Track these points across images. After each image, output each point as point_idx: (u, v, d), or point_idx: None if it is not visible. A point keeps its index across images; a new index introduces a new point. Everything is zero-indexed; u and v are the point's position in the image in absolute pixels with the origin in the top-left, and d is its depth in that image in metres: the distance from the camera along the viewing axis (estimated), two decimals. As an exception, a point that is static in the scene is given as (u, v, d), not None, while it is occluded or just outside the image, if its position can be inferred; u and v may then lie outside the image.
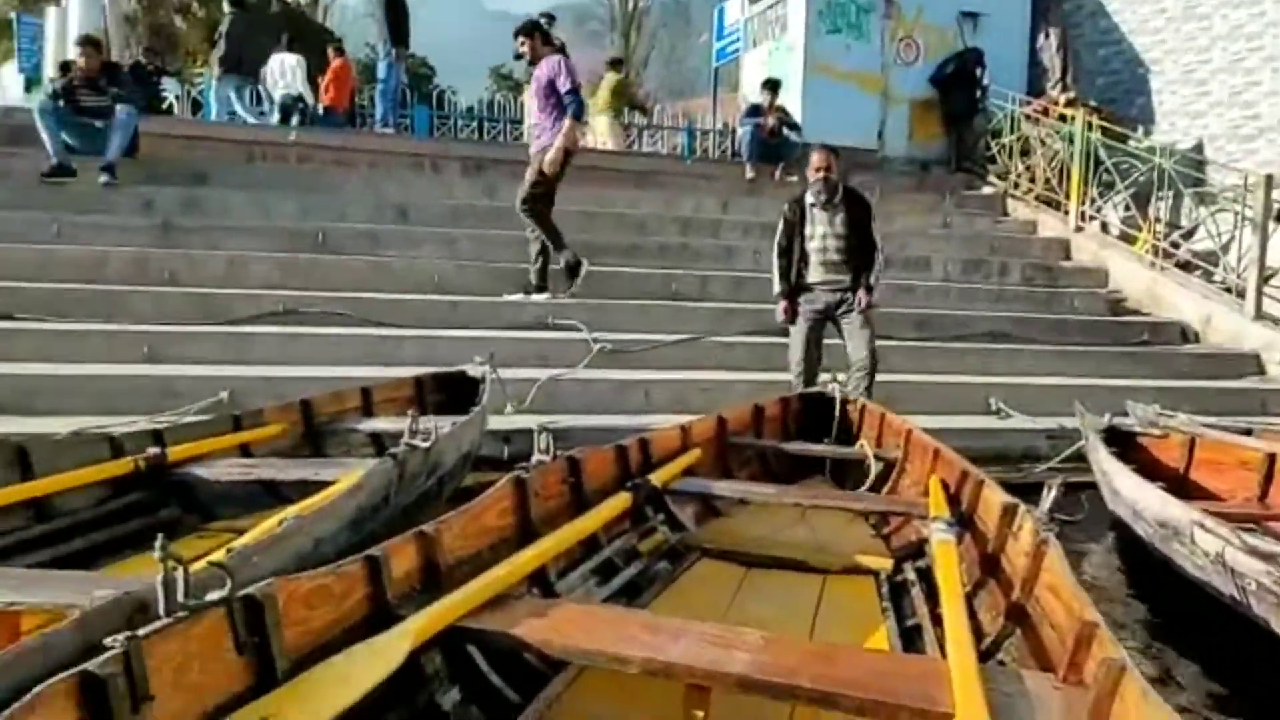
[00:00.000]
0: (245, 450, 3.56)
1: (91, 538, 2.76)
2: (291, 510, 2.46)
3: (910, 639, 2.42)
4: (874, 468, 3.92)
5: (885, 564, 2.96)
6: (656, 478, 3.13)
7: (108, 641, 1.28)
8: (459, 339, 5.85)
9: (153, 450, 3.06)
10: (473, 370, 4.84)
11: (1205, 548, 2.83)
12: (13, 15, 14.29)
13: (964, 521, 2.80)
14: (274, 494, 3.39)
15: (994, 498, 2.63)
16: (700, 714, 1.74)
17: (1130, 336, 7.53)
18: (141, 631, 1.33)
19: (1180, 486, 3.88)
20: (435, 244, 7.10)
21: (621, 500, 2.83)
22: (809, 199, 5.27)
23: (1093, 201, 9.00)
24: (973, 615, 2.21)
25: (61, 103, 6.91)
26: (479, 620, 1.88)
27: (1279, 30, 9.20)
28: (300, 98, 11.21)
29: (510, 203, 7.93)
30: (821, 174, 5.18)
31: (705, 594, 2.71)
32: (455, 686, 1.88)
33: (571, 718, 1.87)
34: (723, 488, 3.44)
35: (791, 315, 5.36)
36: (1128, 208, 8.78)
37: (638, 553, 2.93)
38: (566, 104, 6.27)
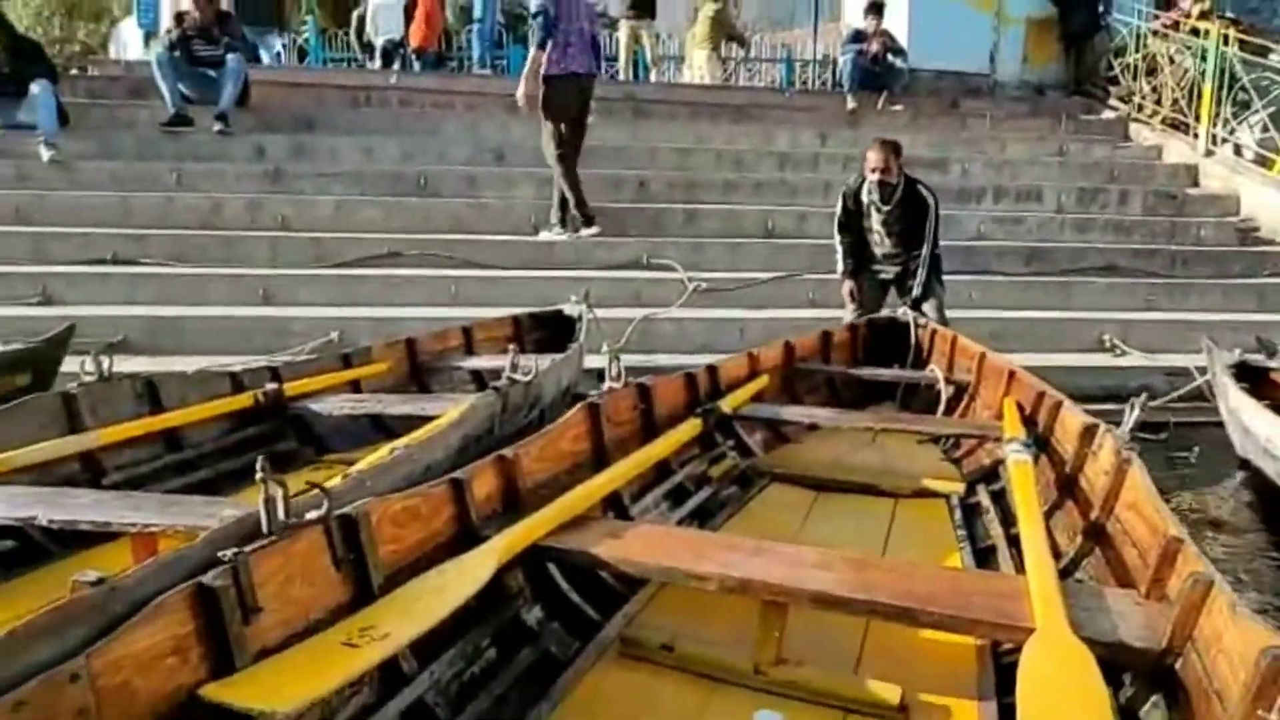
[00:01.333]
0: (355, 386, 3.72)
1: (217, 467, 2.96)
2: (400, 442, 2.55)
3: (984, 559, 2.41)
4: (945, 392, 3.87)
5: (958, 487, 2.94)
6: (725, 404, 3.16)
7: (220, 555, 1.38)
8: (555, 279, 5.93)
9: (270, 386, 3.24)
10: (569, 309, 4.91)
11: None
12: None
13: (1040, 443, 2.74)
14: (382, 428, 3.56)
15: (1072, 419, 2.58)
16: (777, 630, 1.76)
17: (1262, 267, 7.03)
18: (248, 548, 1.41)
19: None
20: (531, 185, 7.14)
21: (691, 426, 2.88)
22: (865, 195, 5.06)
23: (1226, 123, 8.35)
24: (1051, 536, 2.16)
25: (177, 53, 7.19)
26: (558, 540, 1.93)
27: None
28: (402, 41, 11.36)
29: (607, 141, 7.96)
30: (877, 175, 4.91)
31: (776, 517, 2.74)
32: (538, 604, 1.94)
33: (650, 632, 1.89)
34: (791, 412, 3.46)
35: (857, 300, 5.22)
36: (1265, 129, 8.10)
37: (708, 477, 2.97)
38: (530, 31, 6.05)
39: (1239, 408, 3.63)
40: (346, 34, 13.24)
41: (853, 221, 5.15)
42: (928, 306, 4.92)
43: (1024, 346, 5.78)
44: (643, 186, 7.38)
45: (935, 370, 4.05)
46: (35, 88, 6.57)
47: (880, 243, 5.14)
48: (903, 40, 9.55)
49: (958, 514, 2.77)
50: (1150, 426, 3.37)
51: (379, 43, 11.46)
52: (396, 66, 10.97)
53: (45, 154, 6.56)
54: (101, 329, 4.81)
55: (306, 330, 5.14)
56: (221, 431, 3.12)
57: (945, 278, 5.54)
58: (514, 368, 3.23)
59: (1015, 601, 1.63)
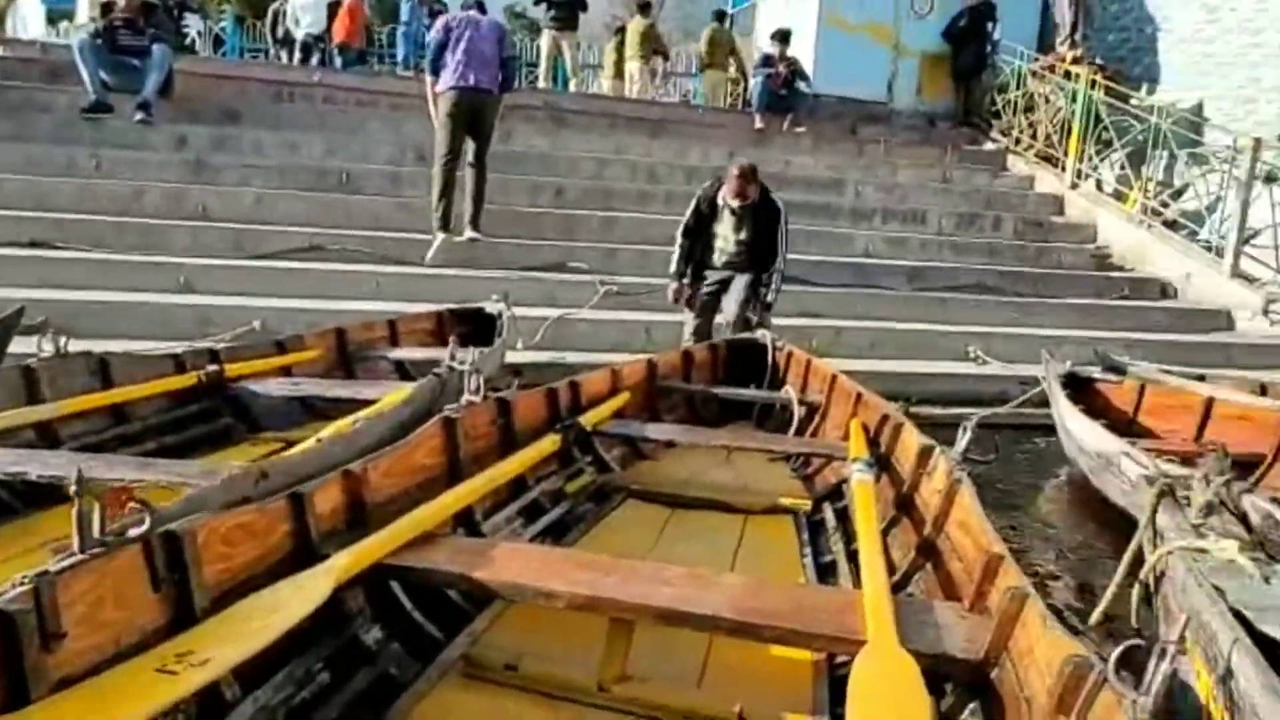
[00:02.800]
0: (287, 371, 4.00)
1: (162, 440, 3.21)
2: (344, 422, 2.88)
3: (826, 574, 2.51)
4: (798, 412, 4.00)
5: (805, 504, 3.06)
6: (586, 420, 3.18)
7: (17, 578, 1.28)
8: (475, 278, 6.26)
9: (211, 367, 3.51)
10: (490, 307, 5.26)
11: (1129, 474, 3.25)
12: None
13: (882, 463, 2.89)
14: (313, 410, 3.85)
15: (911, 440, 2.73)
16: (623, 647, 1.77)
17: (1112, 291, 7.87)
18: (53, 568, 1.33)
19: (1128, 427, 4.29)
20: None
21: (550, 442, 2.87)
22: (721, 200, 5.29)
23: (1090, 159, 9.25)
24: (887, 551, 2.29)
25: (100, 41, 7.23)
26: (404, 558, 1.89)
27: (1286, -8, 9.32)
28: (322, 36, 11.46)
29: (524, 148, 8.33)
30: (737, 201, 5.20)
31: (630, 534, 2.76)
32: (378, 624, 1.90)
33: (495, 652, 1.87)
34: (650, 430, 3.50)
35: (684, 298, 5.46)
36: (1123, 166, 9.02)
37: (565, 494, 2.97)
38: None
39: (1063, 412, 4.23)
40: (262, 26, 13.26)
41: (702, 225, 5.37)
42: (736, 297, 5.22)
43: (902, 355, 6.41)
44: (560, 194, 7.77)
45: (790, 391, 4.17)
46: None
47: (724, 247, 5.33)
48: (808, 67, 10.21)
49: (804, 531, 2.86)
50: (986, 439, 3.93)
51: (299, 36, 11.55)
52: (316, 61, 11.08)
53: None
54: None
55: (228, 319, 5.31)
56: (165, 407, 3.38)
57: (834, 290, 6.10)
58: (453, 356, 3.54)
59: (850, 615, 1.70)
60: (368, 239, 6.64)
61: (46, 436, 2.87)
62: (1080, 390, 4.55)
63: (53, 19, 14.28)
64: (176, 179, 6.87)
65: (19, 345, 3.94)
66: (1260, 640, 1.56)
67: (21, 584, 1.26)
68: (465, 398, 2.72)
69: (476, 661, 1.84)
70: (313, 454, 2.55)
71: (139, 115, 7.21)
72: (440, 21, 6.51)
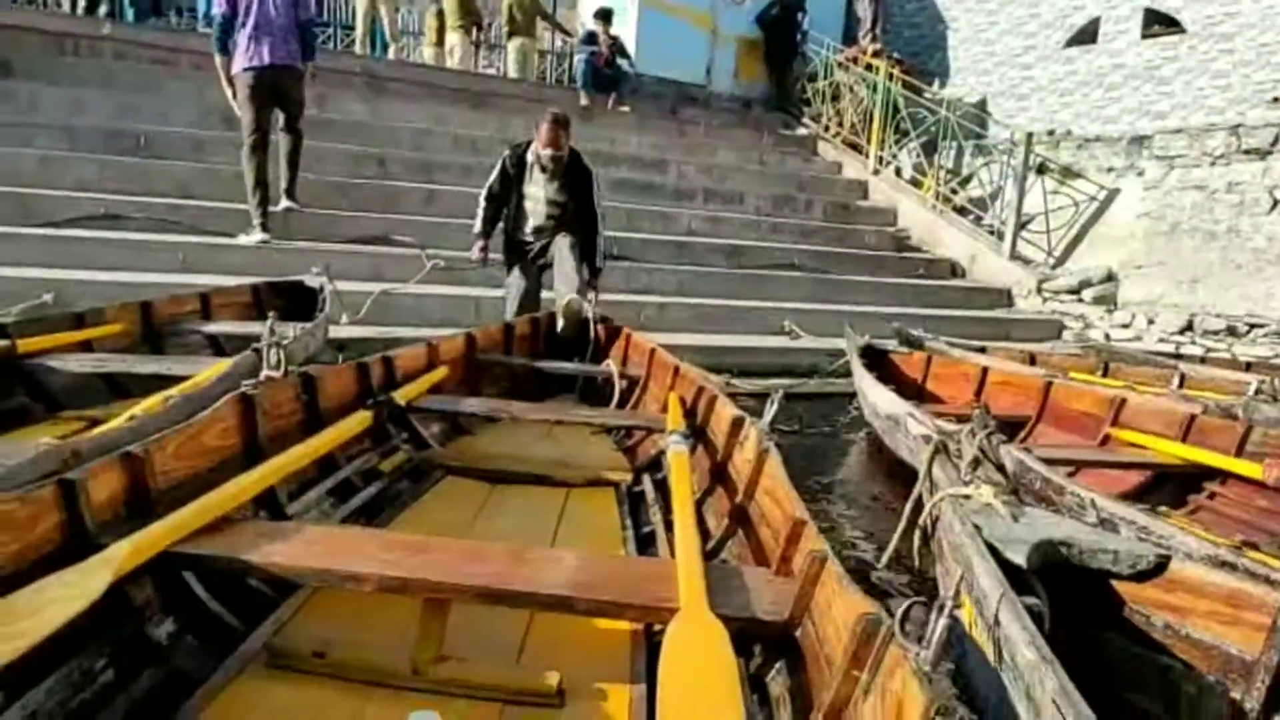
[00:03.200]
0: (87, 346, 3.72)
1: None
2: (156, 399, 2.74)
3: (645, 544, 2.53)
4: (619, 385, 4.03)
5: (625, 476, 3.08)
6: (400, 395, 3.07)
7: None
8: (291, 250, 6.02)
9: (3, 342, 3.22)
10: (310, 280, 5.08)
11: (913, 433, 3.60)
12: None
13: (698, 434, 2.96)
14: (119, 388, 3.61)
15: (725, 411, 2.81)
16: (438, 628, 1.73)
17: (910, 270, 8.57)
18: None
19: (917, 394, 4.74)
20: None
21: (361, 418, 2.74)
22: (531, 157, 4.84)
23: (890, 148, 9.98)
24: (701, 520, 2.37)
25: None
26: (197, 545, 1.79)
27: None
28: (108, -17, 10.49)
29: (341, 115, 8.03)
30: (549, 151, 4.73)
31: (448, 511, 2.69)
32: (169, 617, 1.78)
33: (302, 640, 1.78)
34: (469, 404, 3.40)
35: (485, 257, 5.07)
36: (919, 155, 9.79)
37: (379, 472, 2.87)
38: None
39: (860, 381, 4.62)
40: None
41: (506, 189, 4.93)
42: (568, 269, 4.77)
43: (722, 329, 6.73)
44: (381, 165, 7.56)
45: (611, 365, 4.18)
46: None
47: (536, 209, 4.92)
48: (630, 47, 10.38)
49: (625, 503, 2.87)
50: (793, 409, 4.20)
51: (83, -19, 10.52)
52: (104, 11, 10.15)
53: None
54: None
55: (13, 291, 4.83)
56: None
57: (659, 267, 6.23)
58: (272, 331, 3.41)
59: (665, 584, 1.73)
60: (171, 207, 6.22)
61: None
62: (877, 361, 4.96)
63: None
64: (-60, 135, 6.16)
65: None
66: (1006, 566, 1.82)
67: None
68: (264, 373, 2.58)
69: (281, 650, 1.75)
70: (124, 432, 2.41)
71: (-110, 62, 6.39)
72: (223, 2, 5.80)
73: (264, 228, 6.08)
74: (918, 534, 2.49)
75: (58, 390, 3.43)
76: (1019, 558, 1.92)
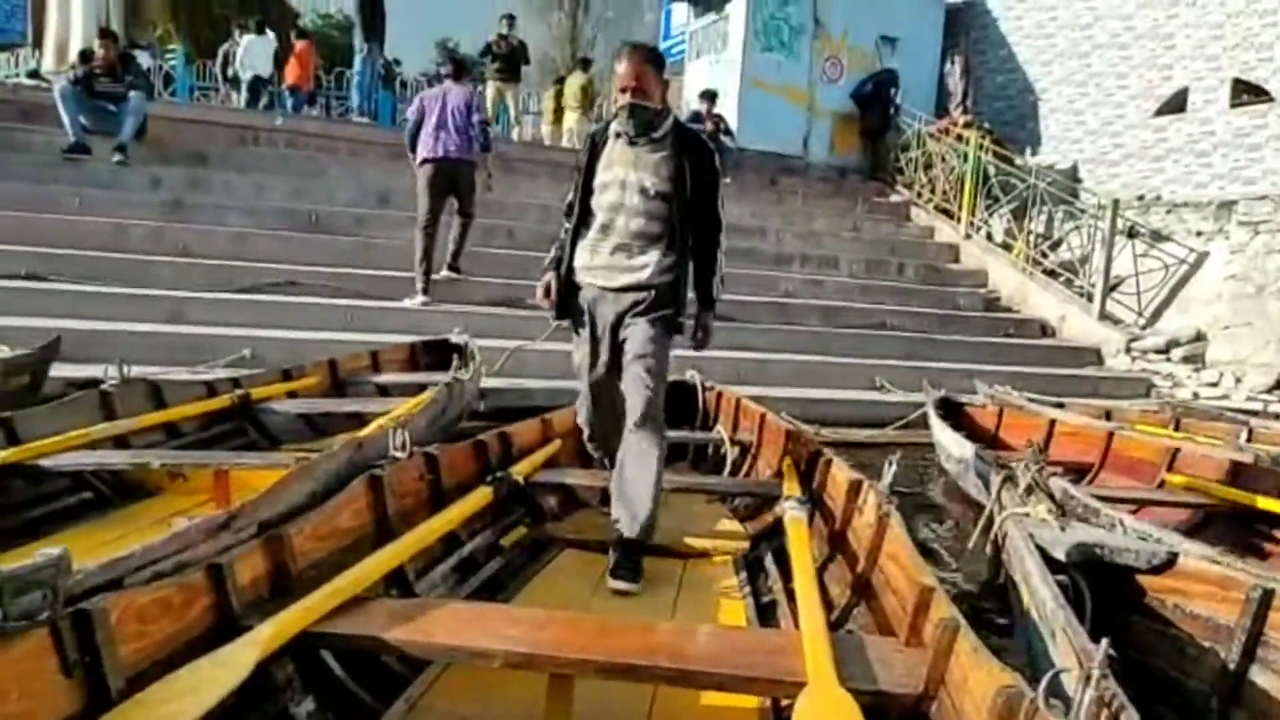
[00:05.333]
0: (293, 395, 4.63)
1: (211, 453, 3.81)
2: (370, 428, 3.55)
3: (766, 614, 2.52)
4: (731, 452, 4.03)
5: (742, 545, 3.09)
6: (517, 471, 3.11)
7: None
8: (435, 312, 6.94)
9: (239, 391, 4.14)
10: (454, 338, 5.95)
11: (979, 472, 4.12)
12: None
13: (815, 500, 2.94)
14: (316, 426, 4.49)
15: (841, 475, 2.79)
16: (565, 703, 1.76)
17: (1000, 329, 8.98)
18: None
19: (990, 442, 5.22)
20: (413, 227, 8.12)
21: (482, 495, 2.80)
22: (613, 127, 2.95)
23: (981, 213, 10.46)
24: (824, 588, 2.31)
25: (79, 87, 7.71)
26: (333, 625, 1.84)
27: (1143, 71, 10.74)
28: (270, 79, 12.02)
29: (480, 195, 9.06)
30: (628, 95, 2.82)
31: (568, 585, 2.72)
32: (309, 695, 1.84)
33: (434, 717, 1.86)
34: (584, 477, 3.41)
35: (557, 304, 3.06)
36: (1009, 220, 10.24)
37: (500, 547, 2.93)
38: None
39: (936, 430, 5.15)
40: (211, 65, 13.75)
41: (588, 191, 2.96)
42: (638, 378, 2.87)
43: (818, 384, 7.31)
44: (511, 236, 8.52)
45: (721, 431, 4.19)
46: (-62, 109, 6.96)
47: (617, 209, 2.88)
48: (733, 123, 11.23)
49: (743, 572, 2.86)
50: (911, 471, 4.55)
51: (246, 77, 12.09)
52: (264, 102, 11.65)
53: (-55, 173, 6.95)
54: (26, 339, 5.40)
55: (218, 347, 5.86)
56: (205, 425, 3.99)
57: (759, 327, 6.72)
58: (457, 367, 4.20)
59: (790, 657, 1.70)
60: (336, 275, 7.26)
61: (120, 446, 3.46)
62: (953, 413, 5.47)
63: (-2, 48, 14.35)
64: (155, 217, 7.38)
65: (59, 370, 4.54)
66: (1051, 563, 2.39)
67: None
68: (391, 453, 2.66)
69: None
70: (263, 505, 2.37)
71: (116, 157, 7.71)
72: (415, 102, 7.20)
73: (425, 292, 7.10)
74: (989, 546, 3.05)
75: (276, 428, 4.33)
76: (1060, 554, 2.49)
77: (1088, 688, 1.22)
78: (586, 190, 2.96)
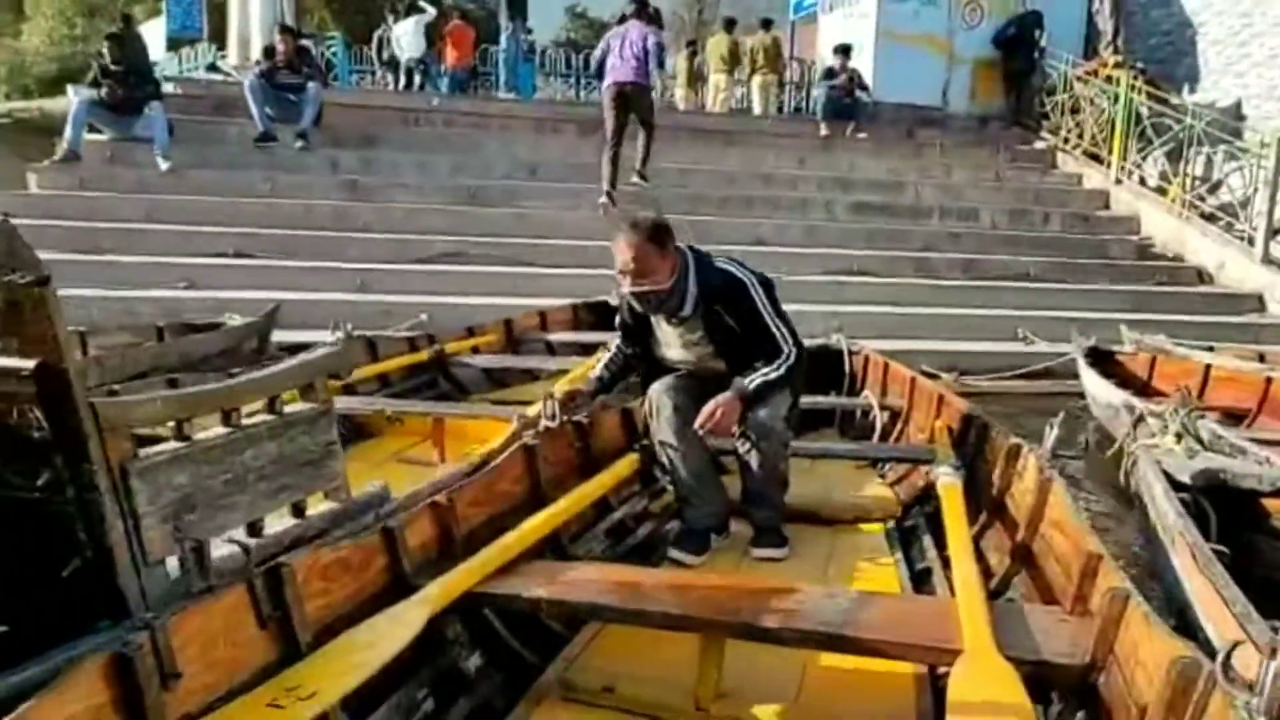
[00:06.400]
0: (475, 350, 5.20)
1: (429, 403, 4.36)
2: (561, 382, 4.00)
3: (920, 582, 2.50)
4: (880, 417, 3.99)
5: (894, 511, 3.07)
6: None
7: (133, 621, 1.37)
8: (582, 276, 7.39)
9: (435, 347, 4.72)
10: (613, 299, 6.39)
11: (1123, 414, 4.23)
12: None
13: (969, 464, 2.85)
14: (495, 379, 5.04)
15: (999, 440, 2.73)
16: (717, 664, 1.79)
17: (1152, 277, 8.74)
18: (167, 611, 1.39)
19: (1142, 390, 5.26)
20: (563, 197, 8.65)
21: (630, 462, 2.89)
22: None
23: (1132, 157, 10.09)
24: (980, 556, 2.28)
25: (265, 80, 8.56)
26: (495, 585, 1.94)
27: (1318, -3, 10.03)
28: (423, 59, 12.74)
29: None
30: (629, 282, 2.65)
31: (717, 550, 2.76)
32: (476, 651, 1.96)
33: (590, 675, 1.92)
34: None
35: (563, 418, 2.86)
36: (1163, 163, 9.84)
37: (649, 513, 3.00)
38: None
39: (1086, 378, 5.22)
40: (367, 49, 14.67)
41: (638, 327, 2.91)
42: (764, 414, 2.72)
43: (959, 336, 7.40)
44: (654, 201, 8.89)
45: (869, 396, 4.16)
46: (152, 109, 7.92)
47: (694, 367, 2.89)
48: (868, 76, 11.19)
49: (895, 538, 2.85)
50: (1072, 435, 4.64)
51: (403, 60, 12.87)
52: (419, 83, 12.39)
53: (163, 165, 7.91)
54: (239, 309, 6.19)
55: (400, 311, 6.55)
56: (407, 375, 4.59)
57: (896, 281, 6.82)
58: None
59: (946, 624, 1.68)
60: (497, 244, 7.84)
61: (349, 393, 4.06)
62: (1103, 362, 5.52)
63: (174, 45, 15.64)
64: (336, 197, 8.18)
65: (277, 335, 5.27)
66: (1175, 484, 2.60)
67: (138, 627, 1.33)
68: (543, 423, 2.76)
69: (573, 685, 1.89)
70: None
71: (299, 143, 8.54)
72: (602, 41, 8.45)
73: (610, 198, 8.23)
74: (1122, 478, 3.21)
75: (465, 380, 4.91)
76: (1184, 476, 2.70)
77: (1274, 660, 1.15)
78: (650, 355, 2.90)
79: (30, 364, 1.41)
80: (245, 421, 1.85)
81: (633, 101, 8.11)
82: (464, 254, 7.65)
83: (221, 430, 1.80)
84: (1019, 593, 2.20)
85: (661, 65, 8.46)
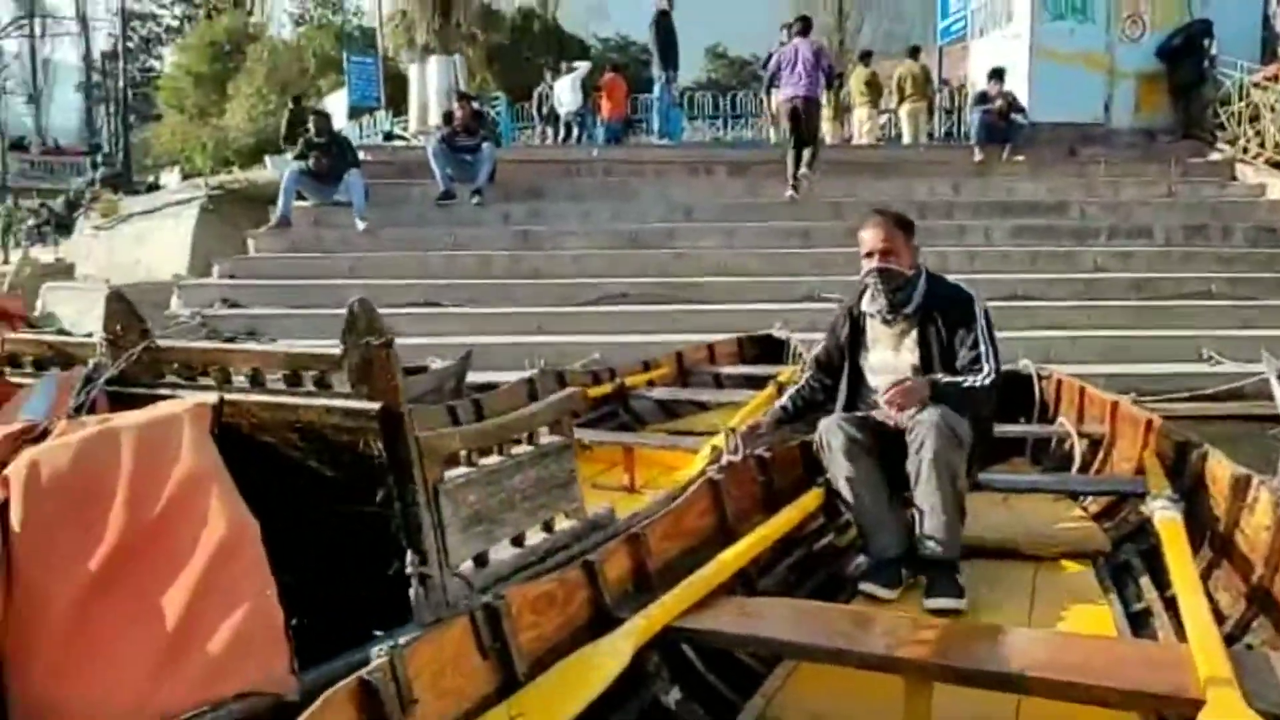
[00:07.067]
0: (651, 384, 5.55)
1: (619, 434, 4.70)
2: (741, 413, 4.26)
3: (1137, 624, 2.32)
4: (1079, 446, 3.70)
5: (1103, 546, 2.86)
6: None
7: (374, 651, 1.42)
8: (740, 311, 7.65)
9: (616, 381, 5.11)
10: (776, 333, 6.65)
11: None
12: (345, 55, 17.61)
13: (1187, 497, 2.62)
14: (669, 410, 5.35)
15: (1221, 470, 2.53)
16: (924, 708, 1.71)
17: (1352, 291, 8.16)
18: (402, 640, 1.46)
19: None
20: (717, 236, 9.00)
21: (814, 497, 2.82)
22: (865, 305, 2.96)
23: (1323, 163, 9.48)
24: (1210, 597, 2.09)
25: (445, 144, 9.38)
26: (691, 620, 1.95)
27: None
28: (580, 111, 13.51)
29: (771, 198, 9.76)
30: (875, 260, 2.80)
31: (909, 588, 2.60)
32: (675, 685, 1.96)
33: (791, 713, 1.88)
34: None
35: (746, 450, 2.89)
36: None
37: (835, 548, 2.96)
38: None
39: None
40: (527, 105, 15.65)
41: (841, 356, 2.99)
42: (927, 430, 2.56)
43: (1133, 359, 7.17)
44: (806, 236, 9.11)
45: (1065, 423, 3.87)
46: (351, 176, 8.85)
47: (885, 387, 2.78)
48: (1023, 98, 11.01)
49: (1106, 577, 2.67)
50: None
51: (562, 113, 13.68)
52: (577, 135, 13.13)
53: (360, 225, 8.81)
54: (431, 354, 6.80)
55: (573, 352, 6.98)
56: (592, 406, 4.98)
57: (1063, 304, 6.65)
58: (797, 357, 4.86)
59: (1179, 672, 1.56)
60: (657, 284, 8.25)
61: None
62: (1300, 381, 5.28)
63: (354, 114, 17.09)
64: (510, 247, 8.84)
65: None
66: None
67: (379, 656, 1.40)
68: (725, 458, 2.80)
69: None
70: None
71: (475, 199, 9.29)
72: (773, 58, 9.46)
73: (794, 188, 9.31)
74: None
75: (641, 411, 5.26)
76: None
77: None
78: (856, 371, 2.93)
79: (376, 406, 1.78)
80: (513, 451, 2.19)
81: (804, 113, 8.98)
82: (628, 294, 8.09)
83: (497, 459, 2.12)
84: (1259, 638, 2.04)
85: (830, 81, 9.59)
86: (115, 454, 1.70)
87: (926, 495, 2.54)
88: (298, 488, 1.89)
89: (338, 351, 1.80)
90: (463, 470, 2.00)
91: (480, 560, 2.00)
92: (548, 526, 2.29)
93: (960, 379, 2.66)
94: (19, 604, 1.61)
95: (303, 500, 1.87)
